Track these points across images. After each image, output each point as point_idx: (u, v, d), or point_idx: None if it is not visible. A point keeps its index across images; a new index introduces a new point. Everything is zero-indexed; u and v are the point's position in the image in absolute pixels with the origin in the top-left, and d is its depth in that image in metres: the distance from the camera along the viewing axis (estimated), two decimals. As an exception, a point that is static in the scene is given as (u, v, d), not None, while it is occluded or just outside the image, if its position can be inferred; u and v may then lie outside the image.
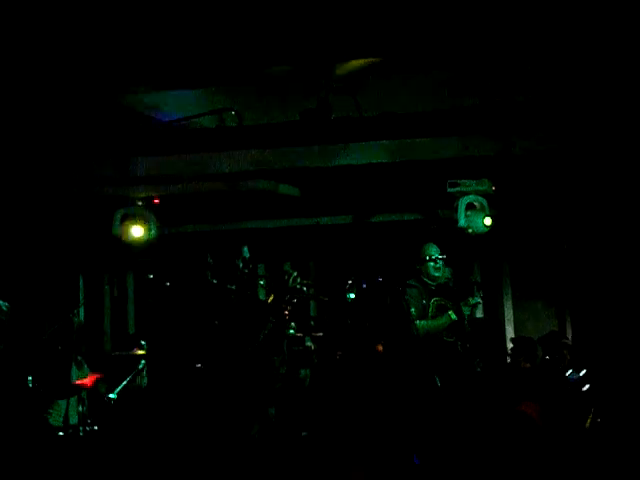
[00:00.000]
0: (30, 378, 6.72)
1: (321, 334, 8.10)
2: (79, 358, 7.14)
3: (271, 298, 6.89)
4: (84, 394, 6.77)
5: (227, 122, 6.76)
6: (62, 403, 6.75)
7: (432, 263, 6.91)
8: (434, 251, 6.99)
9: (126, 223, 8.10)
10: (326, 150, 7.32)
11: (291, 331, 7.05)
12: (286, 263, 7.94)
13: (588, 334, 8.41)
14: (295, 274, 7.00)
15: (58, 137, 7.26)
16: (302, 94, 6.46)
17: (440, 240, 7.35)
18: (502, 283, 9.29)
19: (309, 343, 8.16)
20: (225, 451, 6.27)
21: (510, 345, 8.44)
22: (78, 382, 6.90)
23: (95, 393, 7.03)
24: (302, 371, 7.16)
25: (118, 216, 8.11)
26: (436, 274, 6.90)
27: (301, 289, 6.70)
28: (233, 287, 6.75)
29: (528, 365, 7.89)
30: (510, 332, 9.17)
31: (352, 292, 6.79)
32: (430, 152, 7.77)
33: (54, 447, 6.31)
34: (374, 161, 7.74)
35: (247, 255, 6.72)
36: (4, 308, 6.73)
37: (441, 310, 6.84)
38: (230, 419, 6.53)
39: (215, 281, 6.72)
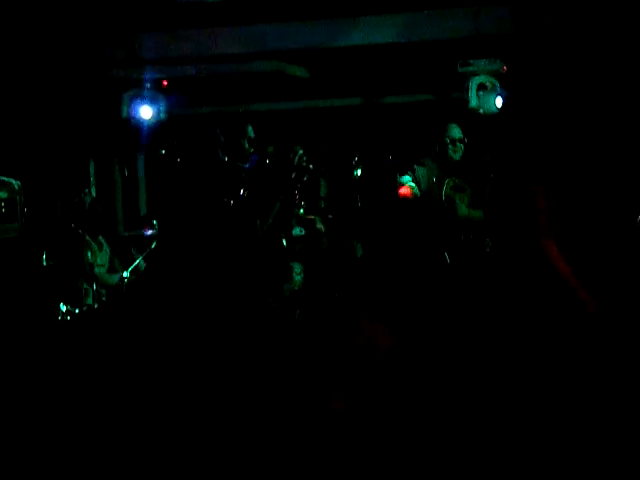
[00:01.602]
0: (44, 257, 6.84)
1: (331, 216, 8.15)
2: (100, 238, 7.23)
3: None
4: (97, 270, 6.89)
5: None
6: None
7: (451, 145, 6.88)
8: (455, 133, 6.92)
9: (135, 104, 8.08)
10: (333, 25, 7.20)
11: (301, 211, 7.08)
12: (296, 145, 7.89)
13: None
14: (301, 152, 6.98)
15: (64, 18, 7.17)
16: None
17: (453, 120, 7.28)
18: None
19: (319, 225, 8.22)
20: (238, 322, 6.36)
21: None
22: None
23: None
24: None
25: (127, 98, 8.07)
26: (454, 156, 6.86)
27: (307, 167, 6.70)
28: (245, 165, 6.77)
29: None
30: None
31: (359, 169, 6.76)
32: (441, 30, 7.65)
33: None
34: (383, 40, 7.63)
35: (252, 135, 6.70)
36: (16, 187, 6.78)
37: (458, 190, 6.81)
38: (244, 293, 6.62)
39: (226, 158, 6.74)
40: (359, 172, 6.75)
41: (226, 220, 6.90)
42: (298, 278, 7.43)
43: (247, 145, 6.71)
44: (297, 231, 7.55)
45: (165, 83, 8.13)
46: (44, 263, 6.85)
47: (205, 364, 5.62)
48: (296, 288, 7.39)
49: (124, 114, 7.97)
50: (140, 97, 8.01)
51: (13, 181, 6.71)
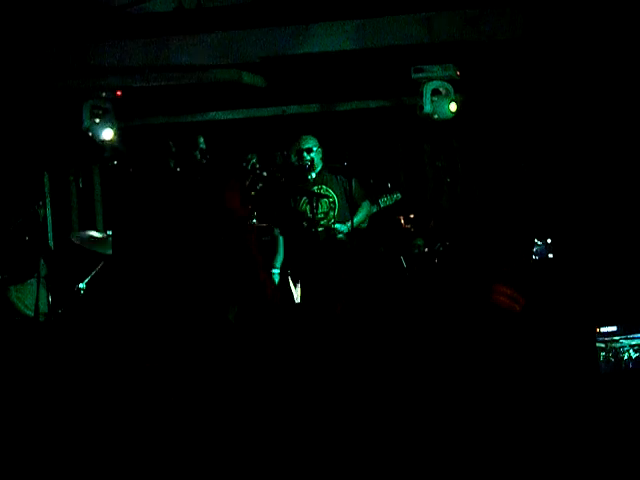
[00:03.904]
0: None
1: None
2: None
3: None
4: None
5: (185, 5, 6.68)
6: (32, 293, 6.82)
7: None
8: (303, 144, 6.86)
9: (95, 119, 8.07)
10: (288, 33, 7.22)
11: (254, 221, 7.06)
12: (250, 154, 7.87)
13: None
14: (254, 160, 6.97)
15: (14, 28, 7.13)
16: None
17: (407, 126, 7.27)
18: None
19: (277, 231, 8.19)
20: (201, 335, 6.34)
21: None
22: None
23: None
24: None
25: (87, 109, 8.07)
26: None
27: (261, 174, 6.68)
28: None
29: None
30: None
31: (313, 172, 6.77)
32: (395, 37, 7.70)
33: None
34: (336, 47, 7.68)
35: (203, 146, 6.69)
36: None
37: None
38: (205, 305, 6.60)
39: (178, 169, 6.72)
40: (314, 175, 6.76)
41: (182, 229, 6.88)
42: None
43: (199, 156, 6.70)
44: None
45: (119, 93, 8.10)
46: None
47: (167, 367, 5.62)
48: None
49: (85, 125, 7.97)
50: (99, 109, 8.00)
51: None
